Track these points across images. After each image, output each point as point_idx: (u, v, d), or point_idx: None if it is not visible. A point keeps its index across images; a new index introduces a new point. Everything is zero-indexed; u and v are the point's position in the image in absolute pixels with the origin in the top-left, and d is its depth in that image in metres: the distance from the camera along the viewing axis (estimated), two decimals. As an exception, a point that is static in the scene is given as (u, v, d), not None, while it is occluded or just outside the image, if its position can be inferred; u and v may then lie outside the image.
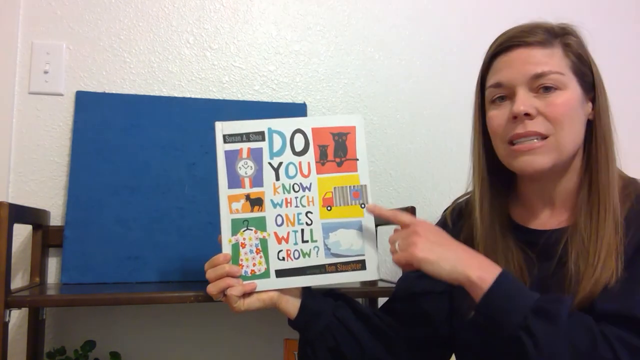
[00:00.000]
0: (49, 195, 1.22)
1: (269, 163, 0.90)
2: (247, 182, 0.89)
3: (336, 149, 0.91)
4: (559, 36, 0.85)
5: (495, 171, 0.91)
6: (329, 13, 1.41)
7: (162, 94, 1.30)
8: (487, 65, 0.89)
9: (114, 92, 1.26)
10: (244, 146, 0.89)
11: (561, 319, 0.69)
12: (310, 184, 0.90)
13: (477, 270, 0.75)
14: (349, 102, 1.40)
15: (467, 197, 1.00)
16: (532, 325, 0.69)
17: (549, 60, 0.82)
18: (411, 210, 1.12)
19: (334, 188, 0.90)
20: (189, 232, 1.20)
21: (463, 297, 0.87)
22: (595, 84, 0.86)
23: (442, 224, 1.00)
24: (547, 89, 0.82)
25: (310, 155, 0.91)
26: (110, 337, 1.22)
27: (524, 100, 0.82)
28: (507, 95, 0.85)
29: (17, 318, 1.17)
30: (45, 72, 1.24)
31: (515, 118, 0.82)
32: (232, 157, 0.89)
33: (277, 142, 0.90)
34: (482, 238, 0.87)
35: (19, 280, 1.19)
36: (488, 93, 0.88)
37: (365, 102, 1.41)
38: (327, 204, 0.90)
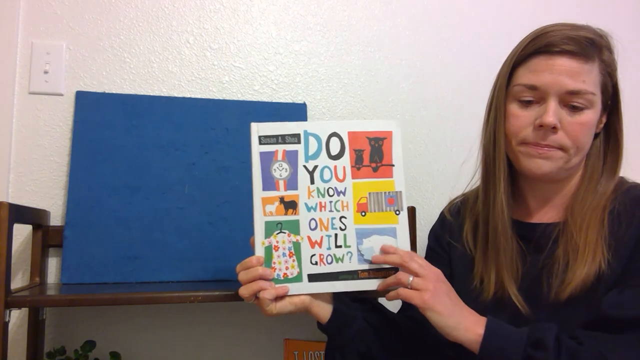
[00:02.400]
0: (49, 195, 1.22)
1: (304, 166, 0.88)
2: (281, 184, 0.87)
3: (372, 154, 0.90)
4: (598, 50, 0.85)
5: None
6: (329, 13, 1.41)
7: (162, 94, 1.30)
8: (524, 58, 0.87)
9: (114, 92, 1.26)
10: (280, 148, 0.88)
11: None
12: (345, 188, 0.89)
13: (473, 332, 0.79)
14: (349, 102, 1.40)
15: (462, 197, 1.04)
16: None
17: (587, 78, 0.83)
18: (411, 210, 1.12)
19: (369, 194, 0.89)
20: (189, 232, 1.20)
21: (468, 299, 0.88)
22: (618, 98, 0.88)
23: (442, 219, 1.04)
24: (577, 107, 0.83)
25: (346, 160, 0.89)
26: (110, 337, 1.22)
27: (556, 112, 0.83)
28: (536, 98, 0.85)
29: (17, 318, 1.17)
30: (45, 72, 1.24)
31: (541, 126, 0.84)
32: (267, 159, 0.88)
33: (313, 145, 0.89)
34: (488, 231, 0.90)
35: (19, 280, 1.19)
36: (517, 90, 0.87)
37: (365, 102, 1.41)
38: (362, 210, 0.89)
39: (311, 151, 0.89)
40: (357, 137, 0.90)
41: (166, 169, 1.22)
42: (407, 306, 0.99)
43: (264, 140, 0.88)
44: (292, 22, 1.39)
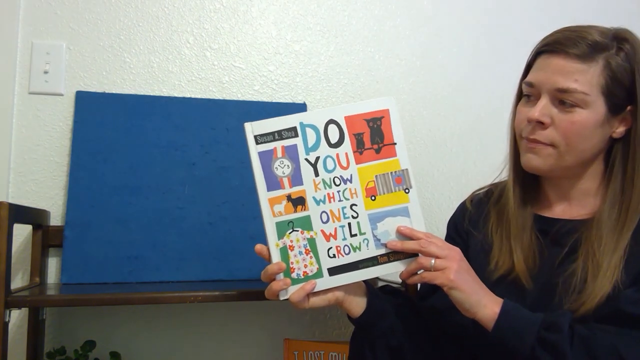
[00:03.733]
0: (49, 195, 1.22)
1: (306, 159, 0.86)
2: (286, 182, 0.85)
3: (372, 136, 0.88)
4: (604, 51, 0.84)
5: None
6: (329, 13, 1.41)
7: (162, 94, 1.30)
8: (532, 59, 0.92)
9: (114, 92, 1.26)
10: (278, 145, 0.85)
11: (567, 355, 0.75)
12: (351, 175, 0.87)
13: (491, 310, 0.80)
14: (348, 102, 1.40)
15: (485, 189, 1.05)
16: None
17: (580, 78, 0.83)
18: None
19: (376, 176, 0.87)
20: (189, 232, 1.20)
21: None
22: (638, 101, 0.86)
23: (462, 209, 1.05)
24: (568, 105, 0.84)
25: (347, 146, 0.87)
26: (110, 337, 1.22)
27: (542, 108, 0.86)
28: (535, 96, 0.88)
29: (17, 318, 1.17)
30: (45, 72, 1.24)
31: (529, 121, 0.87)
32: (267, 158, 0.85)
33: (311, 137, 0.86)
34: (509, 219, 0.93)
35: (19, 280, 1.19)
36: (523, 86, 0.92)
37: (365, 102, 1.41)
38: (371, 194, 0.87)
39: (310, 143, 0.86)
40: (354, 121, 0.88)
41: (166, 169, 1.22)
42: (423, 296, 1.00)
43: (260, 139, 0.85)
44: (292, 22, 1.39)
